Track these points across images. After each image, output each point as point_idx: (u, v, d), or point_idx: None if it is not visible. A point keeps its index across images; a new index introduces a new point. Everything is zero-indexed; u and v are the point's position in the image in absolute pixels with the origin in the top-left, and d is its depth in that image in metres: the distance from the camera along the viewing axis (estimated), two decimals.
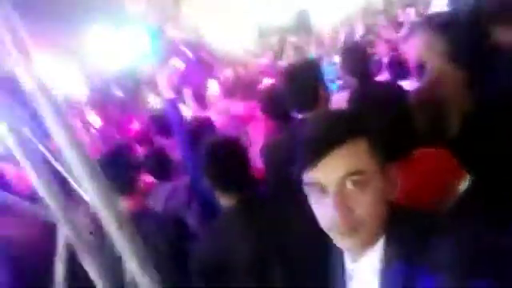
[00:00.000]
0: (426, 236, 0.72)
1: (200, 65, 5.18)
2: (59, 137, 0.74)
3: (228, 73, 4.97)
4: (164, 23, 6.11)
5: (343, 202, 0.72)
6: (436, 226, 0.73)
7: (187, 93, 3.28)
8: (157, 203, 2.21)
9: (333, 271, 0.89)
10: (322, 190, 0.74)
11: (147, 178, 2.32)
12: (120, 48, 5.50)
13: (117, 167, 1.66)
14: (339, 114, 0.81)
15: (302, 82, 1.73)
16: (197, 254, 1.40)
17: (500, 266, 0.65)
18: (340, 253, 0.86)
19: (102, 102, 5.51)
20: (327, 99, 1.78)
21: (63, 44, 5.24)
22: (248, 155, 1.49)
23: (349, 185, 0.73)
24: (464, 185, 1.19)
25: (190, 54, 5.29)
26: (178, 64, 2.38)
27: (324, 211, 0.75)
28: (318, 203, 0.76)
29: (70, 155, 0.74)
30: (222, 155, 1.38)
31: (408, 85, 2.07)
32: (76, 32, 5.32)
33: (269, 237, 1.27)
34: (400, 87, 1.75)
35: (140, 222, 1.64)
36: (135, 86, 5.52)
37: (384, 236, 0.78)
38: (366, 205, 0.74)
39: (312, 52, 5.70)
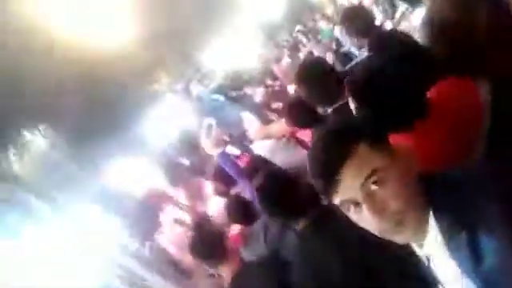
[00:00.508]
0: (466, 194, 0.72)
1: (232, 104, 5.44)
2: None
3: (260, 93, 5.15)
4: (189, 81, 6.56)
5: (376, 205, 0.74)
6: (472, 181, 0.73)
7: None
8: (256, 249, 2.32)
9: (412, 265, 0.90)
10: (354, 204, 0.77)
11: (233, 237, 2.49)
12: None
13: (206, 243, 1.83)
14: (331, 135, 0.83)
15: (317, 79, 1.77)
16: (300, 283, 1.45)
17: None
18: (405, 247, 0.86)
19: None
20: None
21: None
22: (296, 180, 1.53)
23: (372, 187, 0.75)
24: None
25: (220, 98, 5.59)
26: (210, 121, 2.56)
27: (366, 221, 0.77)
28: (359, 217, 0.79)
29: None
30: (269, 192, 1.47)
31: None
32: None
33: (352, 246, 1.27)
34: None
35: (246, 278, 1.81)
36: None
37: (431, 210, 0.77)
38: (396, 196, 0.75)
39: (323, 26, 5.61)
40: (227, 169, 2.47)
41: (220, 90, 6.06)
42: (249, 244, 2.39)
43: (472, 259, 0.70)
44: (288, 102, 2.60)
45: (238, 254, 2.10)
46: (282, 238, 2.12)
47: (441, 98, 1.25)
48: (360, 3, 4.46)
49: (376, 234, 0.79)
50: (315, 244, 1.41)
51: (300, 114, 2.22)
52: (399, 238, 0.79)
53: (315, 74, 1.82)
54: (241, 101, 5.45)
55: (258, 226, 2.34)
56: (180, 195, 4.71)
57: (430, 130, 1.19)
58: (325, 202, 0.87)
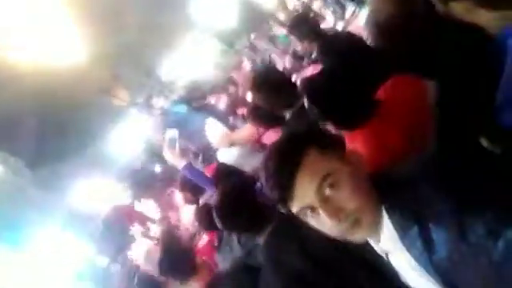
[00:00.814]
0: (414, 189, 0.74)
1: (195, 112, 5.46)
2: None
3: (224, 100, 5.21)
4: (150, 95, 6.51)
5: (333, 208, 0.77)
6: (418, 176, 0.76)
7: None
8: (231, 252, 2.31)
9: (375, 262, 0.92)
10: (311, 210, 0.79)
11: (203, 248, 2.51)
12: None
13: (174, 260, 1.87)
14: (280, 146, 0.85)
15: (270, 86, 1.83)
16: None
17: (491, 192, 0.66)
18: (364, 245, 0.88)
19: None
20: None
21: None
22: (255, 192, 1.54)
23: (327, 191, 0.77)
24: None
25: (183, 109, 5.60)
26: (173, 133, 2.56)
27: (325, 225, 0.79)
28: (317, 222, 0.81)
29: None
30: (228, 210, 1.52)
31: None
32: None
33: (318, 246, 1.26)
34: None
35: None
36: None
37: (383, 206, 0.80)
38: (350, 196, 0.77)
39: (278, 32, 5.76)
40: (194, 179, 2.48)
41: (182, 100, 6.06)
42: (222, 248, 2.38)
43: (425, 251, 0.73)
44: (251, 104, 2.67)
45: (208, 266, 2.13)
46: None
47: (389, 97, 1.32)
48: (308, 6, 4.61)
49: (335, 236, 0.82)
50: (281, 249, 1.40)
51: (264, 113, 2.26)
52: (357, 237, 0.82)
53: (268, 82, 1.87)
54: (204, 110, 5.48)
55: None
56: (149, 208, 4.66)
57: (379, 128, 1.25)
58: (283, 211, 0.86)
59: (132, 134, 6.16)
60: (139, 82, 6.26)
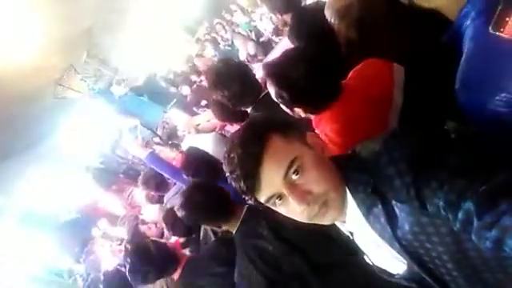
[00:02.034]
0: (374, 169, 0.75)
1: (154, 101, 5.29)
2: None
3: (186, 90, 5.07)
4: (109, 84, 6.23)
5: (300, 193, 0.76)
6: (375, 157, 0.76)
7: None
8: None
9: (341, 244, 0.93)
10: (279, 198, 0.78)
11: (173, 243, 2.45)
12: None
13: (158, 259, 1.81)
14: (242, 135, 0.81)
15: (230, 83, 1.70)
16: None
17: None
18: (332, 227, 0.88)
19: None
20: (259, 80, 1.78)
21: None
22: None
23: (293, 176, 0.76)
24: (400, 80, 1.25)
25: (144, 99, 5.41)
26: (134, 122, 2.46)
27: (294, 211, 0.78)
28: (286, 209, 0.80)
29: None
30: (194, 206, 1.50)
31: None
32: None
33: (287, 232, 1.31)
34: None
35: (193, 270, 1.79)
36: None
37: (347, 188, 0.80)
38: (317, 179, 0.77)
39: (241, 18, 5.68)
40: (160, 170, 2.38)
41: (142, 90, 5.86)
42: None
43: (389, 226, 0.74)
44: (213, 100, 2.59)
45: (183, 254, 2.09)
46: None
47: (356, 75, 1.33)
48: None
49: (304, 221, 0.80)
50: (255, 235, 1.40)
51: (226, 109, 2.20)
52: (326, 220, 0.81)
53: (227, 78, 1.74)
54: (165, 100, 5.32)
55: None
56: (113, 205, 4.48)
57: (345, 104, 1.26)
58: (250, 202, 0.82)
59: (86, 128, 5.87)
60: (96, 71, 5.95)
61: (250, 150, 0.76)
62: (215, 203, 1.50)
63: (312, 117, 1.33)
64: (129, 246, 2.02)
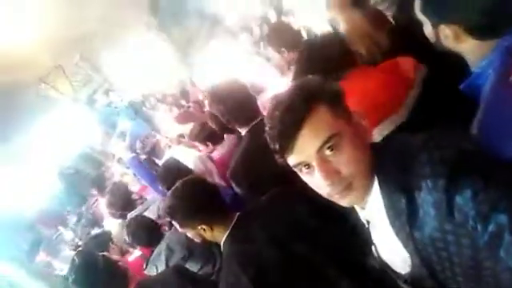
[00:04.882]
0: (409, 164, 0.74)
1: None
2: None
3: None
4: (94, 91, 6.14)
5: (329, 170, 0.76)
6: (414, 152, 0.75)
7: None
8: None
9: (355, 228, 0.92)
10: (307, 166, 0.78)
11: (133, 264, 2.39)
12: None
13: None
14: (291, 94, 0.81)
15: (234, 101, 1.75)
16: None
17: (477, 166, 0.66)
18: (350, 210, 0.89)
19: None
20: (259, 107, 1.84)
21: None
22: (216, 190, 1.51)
23: (327, 151, 0.76)
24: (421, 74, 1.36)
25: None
26: (124, 125, 2.46)
27: (317, 184, 0.79)
28: (310, 179, 0.80)
29: None
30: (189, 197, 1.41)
31: None
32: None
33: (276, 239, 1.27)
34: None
35: None
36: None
37: (376, 177, 0.80)
38: (348, 161, 0.77)
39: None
40: (138, 174, 2.36)
41: (131, 106, 5.81)
42: (151, 262, 2.32)
43: (408, 225, 0.73)
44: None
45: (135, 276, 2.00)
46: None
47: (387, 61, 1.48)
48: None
49: (324, 195, 0.81)
50: (246, 240, 1.34)
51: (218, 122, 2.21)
52: (345, 201, 0.81)
53: (233, 95, 1.79)
54: (152, 119, 5.30)
55: (161, 247, 2.30)
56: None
57: (366, 81, 1.39)
58: (279, 161, 0.82)
59: (64, 130, 5.68)
60: (86, 76, 5.88)
61: (294, 112, 0.76)
62: (213, 197, 1.43)
63: None
64: (76, 259, 1.95)
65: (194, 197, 1.40)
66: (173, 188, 1.46)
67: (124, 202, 2.88)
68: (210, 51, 3.99)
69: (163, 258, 2.21)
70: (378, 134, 1.29)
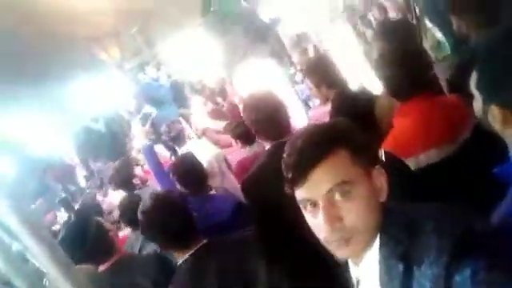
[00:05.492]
0: (415, 232, 0.72)
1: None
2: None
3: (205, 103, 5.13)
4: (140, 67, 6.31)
5: (333, 215, 0.74)
6: (424, 221, 0.73)
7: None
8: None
9: (341, 281, 0.89)
10: (313, 204, 0.76)
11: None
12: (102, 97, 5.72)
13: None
14: (318, 129, 0.81)
15: (265, 114, 1.76)
16: None
17: (486, 247, 0.65)
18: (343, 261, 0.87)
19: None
20: (290, 127, 1.84)
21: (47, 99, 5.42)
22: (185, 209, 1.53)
23: (337, 196, 0.74)
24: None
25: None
26: (150, 110, 2.50)
27: (317, 226, 0.77)
28: (311, 219, 0.78)
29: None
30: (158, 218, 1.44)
31: None
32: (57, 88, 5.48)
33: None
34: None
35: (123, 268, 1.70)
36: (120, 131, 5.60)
37: (378, 237, 0.78)
38: (355, 213, 0.75)
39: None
40: (148, 162, 2.38)
41: (174, 86, 5.92)
42: (128, 241, 2.45)
43: None
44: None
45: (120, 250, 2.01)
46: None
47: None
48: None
49: (320, 238, 0.78)
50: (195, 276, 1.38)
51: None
52: (341, 253, 0.79)
53: (267, 106, 1.80)
54: (186, 105, 5.37)
55: (135, 235, 2.33)
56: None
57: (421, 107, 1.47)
58: (288, 191, 0.80)
59: (101, 92, 5.86)
60: (137, 47, 6.04)
61: (315, 147, 0.76)
62: (178, 224, 1.43)
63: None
64: (72, 216, 1.98)
65: (157, 221, 1.43)
66: (143, 201, 1.50)
67: (122, 182, 2.96)
68: (251, 62, 4.01)
69: (139, 243, 2.24)
70: (423, 159, 1.38)
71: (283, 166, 0.79)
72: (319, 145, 0.76)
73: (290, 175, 0.77)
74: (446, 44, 2.33)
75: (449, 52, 2.29)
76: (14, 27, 4.42)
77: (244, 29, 4.15)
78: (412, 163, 1.39)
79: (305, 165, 0.75)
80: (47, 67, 5.25)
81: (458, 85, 1.62)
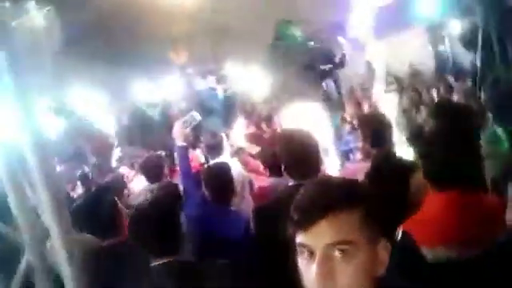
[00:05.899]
0: None
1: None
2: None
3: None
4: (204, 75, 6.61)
5: (327, 271, 0.72)
6: None
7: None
8: None
9: None
10: (311, 253, 0.75)
11: None
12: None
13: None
14: (337, 182, 0.81)
15: (297, 153, 1.77)
16: None
17: None
18: None
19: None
20: (318, 172, 1.82)
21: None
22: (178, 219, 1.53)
23: (336, 252, 0.73)
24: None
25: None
26: (197, 116, 2.58)
27: (308, 276, 0.75)
28: (305, 267, 0.76)
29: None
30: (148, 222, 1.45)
31: None
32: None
33: None
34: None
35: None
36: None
37: None
38: (349, 276, 0.73)
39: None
40: (179, 163, 2.46)
41: (229, 98, 6.14)
42: None
43: None
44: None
45: None
46: None
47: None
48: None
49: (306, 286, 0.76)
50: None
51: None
52: None
53: (301, 147, 1.81)
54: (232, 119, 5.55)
55: None
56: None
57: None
58: (289, 231, 0.80)
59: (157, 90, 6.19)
60: (203, 56, 6.37)
61: (330, 199, 0.75)
62: (169, 231, 1.46)
63: None
64: (93, 188, 2.04)
65: (147, 229, 1.44)
66: (140, 202, 1.57)
67: (150, 175, 3.05)
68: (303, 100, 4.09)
69: None
70: (441, 252, 1.31)
71: (292, 206, 0.78)
72: (333, 199, 0.74)
73: (296, 217, 0.76)
74: (505, 142, 2.24)
75: (505, 150, 2.20)
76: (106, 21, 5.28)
77: (307, 66, 4.23)
78: (430, 254, 1.31)
79: (313, 213, 0.74)
80: (124, 56, 5.79)
81: (503, 186, 1.55)
